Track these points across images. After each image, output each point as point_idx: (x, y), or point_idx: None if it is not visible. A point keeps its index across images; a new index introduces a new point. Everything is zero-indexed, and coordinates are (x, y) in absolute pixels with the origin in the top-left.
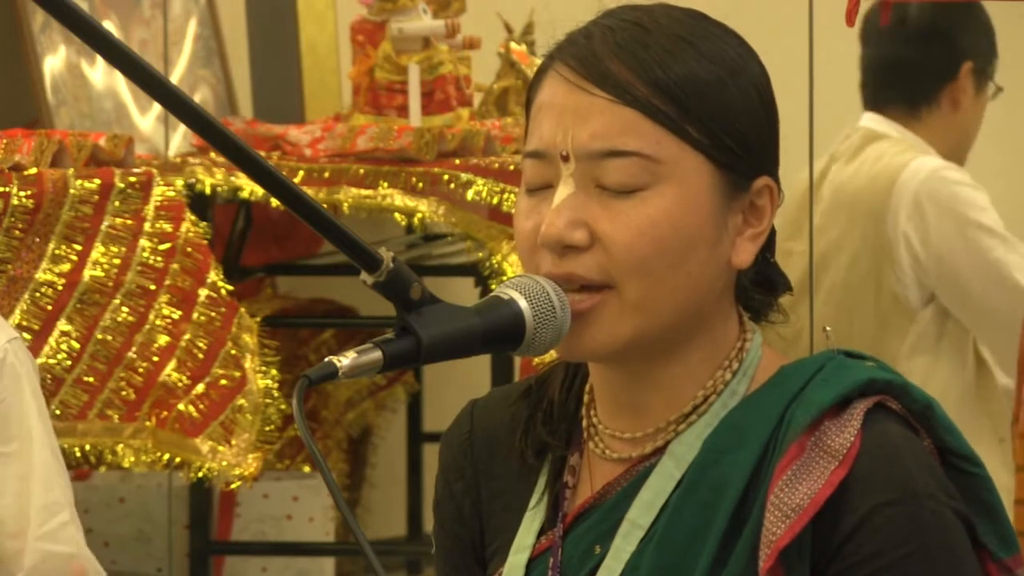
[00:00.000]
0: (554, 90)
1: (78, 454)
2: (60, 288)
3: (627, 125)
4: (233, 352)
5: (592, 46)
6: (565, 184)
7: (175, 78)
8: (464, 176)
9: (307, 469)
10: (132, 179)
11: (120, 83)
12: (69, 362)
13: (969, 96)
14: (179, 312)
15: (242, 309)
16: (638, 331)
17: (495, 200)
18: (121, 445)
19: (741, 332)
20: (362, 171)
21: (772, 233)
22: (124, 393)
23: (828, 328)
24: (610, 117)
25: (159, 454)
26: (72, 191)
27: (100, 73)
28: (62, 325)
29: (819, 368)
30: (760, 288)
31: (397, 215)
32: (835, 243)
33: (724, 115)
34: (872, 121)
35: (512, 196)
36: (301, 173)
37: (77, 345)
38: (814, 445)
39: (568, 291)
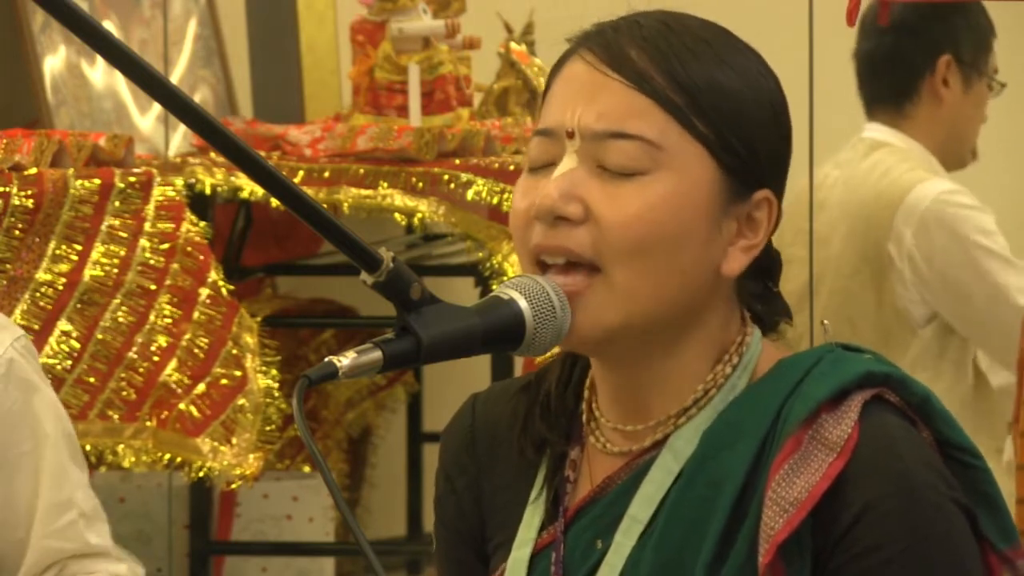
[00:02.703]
0: (572, 72)
1: None
2: (60, 288)
3: (636, 110)
4: (234, 352)
5: (617, 36)
6: (568, 159)
7: (175, 78)
8: (464, 176)
9: (307, 469)
10: (132, 179)
11: (120, 83)
12: (69, 362)
13: (955, 91)
14: (179, 312)
15: (242, 309)
16: (624, 318)
17: (495, 200)
18: (122, 445)
19: (742, 328)
20: (362, 171)
21: (777, 263)
22: (125, 393)
23: (826, 321)
24: (621, 99)
25: (159, 454)
26: (72, 191)
27: (100, 73)
28: (62, 325)
29: (816, 361)
30: (762, 305)
31: (397, 215)
32: (837, 252)
33: (735, 118)
34: (874, 131)
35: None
36: (301, 173)
37: (77, 345)
38: (812, 438)
39: (556, 269)
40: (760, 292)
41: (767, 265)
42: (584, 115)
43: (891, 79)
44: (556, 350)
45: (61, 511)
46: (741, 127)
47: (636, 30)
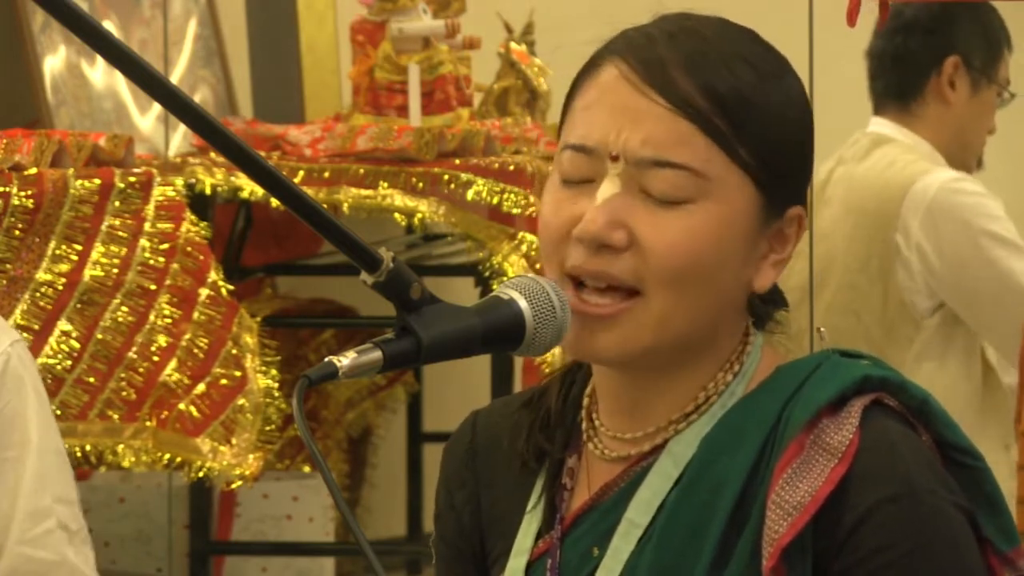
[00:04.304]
0: (612, 87)
1: (78, 454)
2: (60, 288)
3: (681, 137)
4: (234, 352)
5: (656, 50)
6: (611, 182)
7: (175, 78)
8: (464, 176)
9: (307, 469)
10: (132, 179)
11: (120, 83)
12: (69, 362)
13: (961, 94)
14: (179, 312)
15: (242, 309)
16: (656, 342)
17: (495, 200)
18: (121, 445)
19: (744, 336)
20: (362, 171)
21: None
22: (125, 393)
23: (822, 328)
24: (666, 126)
25: (159, 454)
26: (72, 191)
27: (100, 73)
28: (62, 325)
29: (815, 367)
30: (763, 303)
31: (397, 215)
32: (844, 247)
33: (775, 139)
34: (879, 125)
35: (512, 196)
36: (301, 173)
37: (77, 345)
38: (813, 443)
39: (594, 290)
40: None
41: None
42: (629, 139)
43: (899, 77)
44: (557, 350)
45: (39, 519)
46: (780, 149)
47: (673, 42)
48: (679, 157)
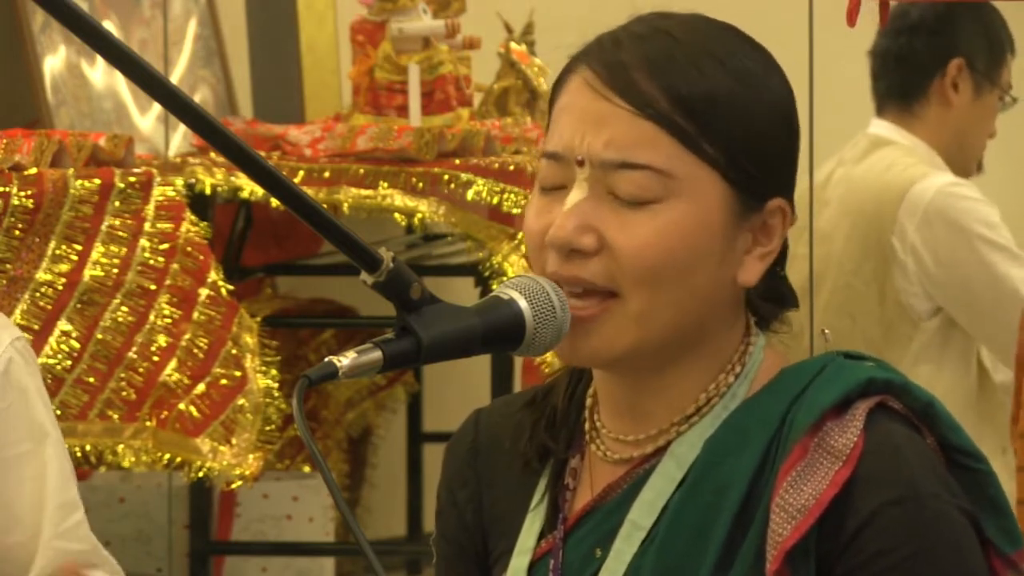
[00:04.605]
0: (577, 94)
1: (78, 454)
2: (60, 288)
3: (644, 138)
4: (233, 352)
5: (620, 54)
6: (579, 188)
7: (175, 78)
8: (464, 176)
9: (307, 469)
10: (132, 179)
11: (120, 83)
12: (69, 362)
13: (964, 96)
14: (179, 312)
15: (242, 309)
16: (638, 342)
17: (495, 200)
18: (121, 445)
19: (745, 336)
20: (362, 171)
21: (784, 247)
22: (124, 393)
23: (827, 331)
24: (628, 128)
25: (159, 454)
26: (72, 191)
27: (100, 73)
28: (62, 325)
29: (819, 370)
30: (768, 302)
31: (397, 215)
32: (840, 248)
33: (743, 135)
34: (879, 127)
35: (512, 196)
36: (301, 173)
37: (77, 345)
38: (817, 446)
39: (572, 295)
40: (767, 280)
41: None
42: (592, 143)
43: (902, 77)
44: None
45: (68, 511)
46: (750, 143)
47: (638, 46)
48: (643, 158)
